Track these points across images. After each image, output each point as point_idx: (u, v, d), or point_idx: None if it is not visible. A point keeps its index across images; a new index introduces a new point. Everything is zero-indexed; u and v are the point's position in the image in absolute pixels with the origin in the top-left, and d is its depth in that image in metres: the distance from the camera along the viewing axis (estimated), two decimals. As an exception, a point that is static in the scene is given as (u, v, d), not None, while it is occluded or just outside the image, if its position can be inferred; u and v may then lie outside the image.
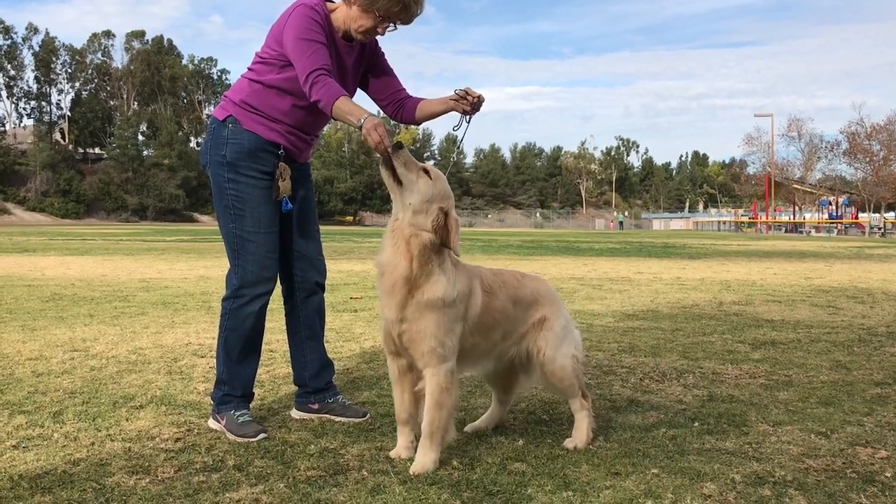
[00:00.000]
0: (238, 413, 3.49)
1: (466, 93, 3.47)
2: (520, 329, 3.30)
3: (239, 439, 3.35)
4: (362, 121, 3.09)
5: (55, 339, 5.84)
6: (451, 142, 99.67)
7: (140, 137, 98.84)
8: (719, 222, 78.07)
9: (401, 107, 3.73)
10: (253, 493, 2.72)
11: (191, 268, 13.74)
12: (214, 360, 3.75)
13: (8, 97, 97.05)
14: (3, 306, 7.93)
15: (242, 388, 3.60)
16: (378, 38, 3.62)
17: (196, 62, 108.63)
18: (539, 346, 3.28)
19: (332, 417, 3.70)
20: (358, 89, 3.74)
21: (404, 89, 3.76)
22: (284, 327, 3.87)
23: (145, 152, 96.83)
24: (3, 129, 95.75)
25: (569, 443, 3.30)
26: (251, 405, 3.68)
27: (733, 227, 70.08)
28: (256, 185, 3.50)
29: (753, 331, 6.51)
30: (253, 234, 3.50)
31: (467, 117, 3.51)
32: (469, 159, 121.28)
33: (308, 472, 2.95)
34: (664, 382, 4.52)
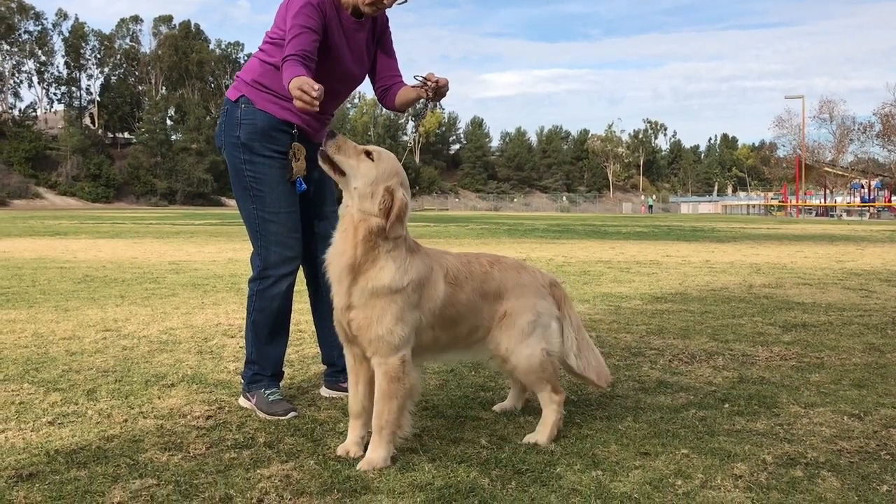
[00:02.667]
0: (268, 392, 3.51)
1: (426, 79, 3.45)
2: (486, 324, 3.11)
3: (269, 417, 3.38)
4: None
5: (88, 320, 5.93)
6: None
7: (168, 122, 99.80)
8: (748, 206, 77.17)
9: (386, 92, 3.72)
10: (283, 470, 2.75)
11: (220, 250, 13.87)
12: (244, 340, 3.78)
13: (39, 83, 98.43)
14: (37, 287, 8.06)
15: (272, 368, 3.62)
16: (392, 20, 3.62)
17: (223, 47, 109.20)
18: (499, 341, 3.10)
19: None
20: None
21: (399, 74, 3.74)
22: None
23: (173, 137, 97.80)
24: (34, 114, 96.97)
25: (529, 437, 3.10)
26: (281, 384, 3.70)
27: (763, 211, 69.26)
28: (273, 165, 3.48)
29: (784, 313, 6.44)
30: (274, 215, 3.50)
31: (430, 104, 3.53)
32: (495, 143, 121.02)
33: (337, 449, 2.97)
34: (693, 364, 4.49)
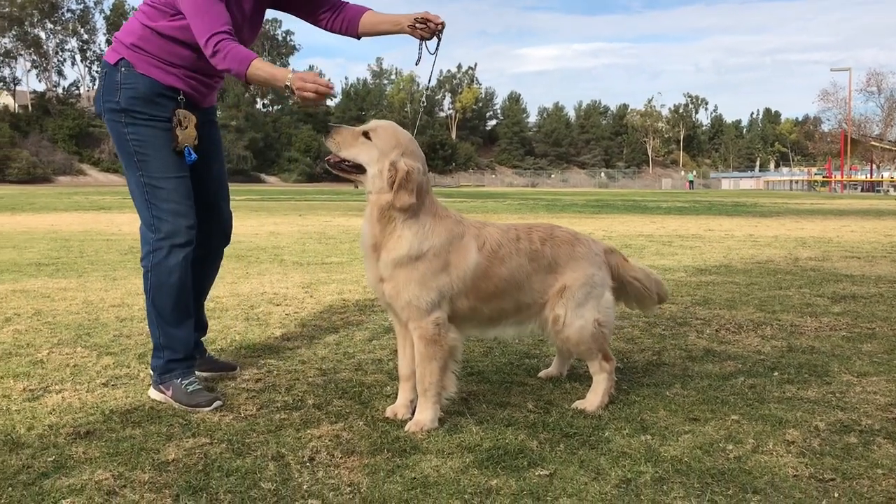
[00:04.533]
0: (185, 381, 3.18)
1: (426, 18, 3.23)
2: (540, 299, 3.08)
3: (190, 409, 3.06)
4: (288, 83, 2.89)
5: (135, 288, 6.02)
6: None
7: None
8: (791, 181, 75.72)
9: (339, 15, 3.43)
10: (333, 430, 2.78)
11: (261, 224, 13.99)
12: (149, 326, 3.37)
13: (82, 61, 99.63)
14: (85, 258, 8.22)
15: (184, 350, 3.29)
16: None
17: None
18: (558, 314, 3.06)
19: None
20: (295, 17, 3.53)
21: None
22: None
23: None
24: (77, 92, 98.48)
25: (578, 403, 3.10)
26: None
27: (806, 187, 67.95)
28: (158, 128, 3.21)
29: (832, 285, 6.32)
30: (163, 180, 3.20)
31: (426, 44, 3.28)
32: (532, 118, 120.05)
33: (386, 411, 2.99)
34: (741, 334, 4.43)
